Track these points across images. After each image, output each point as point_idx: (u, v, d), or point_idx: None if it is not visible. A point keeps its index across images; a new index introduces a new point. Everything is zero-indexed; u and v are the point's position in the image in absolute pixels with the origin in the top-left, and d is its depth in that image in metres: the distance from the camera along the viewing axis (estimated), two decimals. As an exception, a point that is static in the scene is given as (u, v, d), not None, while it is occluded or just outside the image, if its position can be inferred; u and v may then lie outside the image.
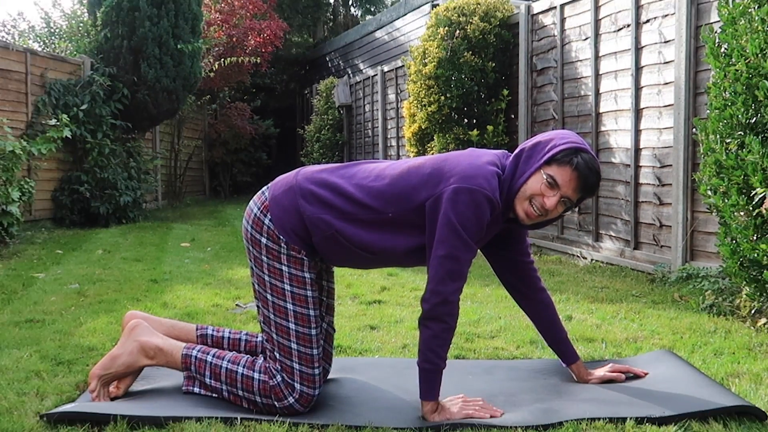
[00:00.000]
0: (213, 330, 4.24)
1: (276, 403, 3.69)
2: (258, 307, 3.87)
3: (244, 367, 3.79)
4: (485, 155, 3.69)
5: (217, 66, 18.83)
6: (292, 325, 3.71)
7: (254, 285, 3.87)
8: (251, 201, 3.92)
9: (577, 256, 9.52)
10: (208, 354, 3.91)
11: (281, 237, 3.71)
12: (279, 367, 3.72)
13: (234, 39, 20.67)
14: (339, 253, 3.77)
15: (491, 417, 3.60)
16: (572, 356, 4.26)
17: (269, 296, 3.75)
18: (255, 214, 3.81)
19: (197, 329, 4.23)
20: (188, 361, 3.92)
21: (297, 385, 3.69)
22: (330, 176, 3.80)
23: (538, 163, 3.63)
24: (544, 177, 3.61)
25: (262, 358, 3.85)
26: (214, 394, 3.88)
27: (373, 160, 3.99)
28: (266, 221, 3.75)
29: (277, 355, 3.73)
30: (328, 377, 4.28)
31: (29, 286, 7.53)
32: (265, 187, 3.91)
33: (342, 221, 3.67)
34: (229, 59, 18.64)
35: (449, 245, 3.51)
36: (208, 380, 3.87)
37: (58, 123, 12.93)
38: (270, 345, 3.77)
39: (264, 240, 3.74)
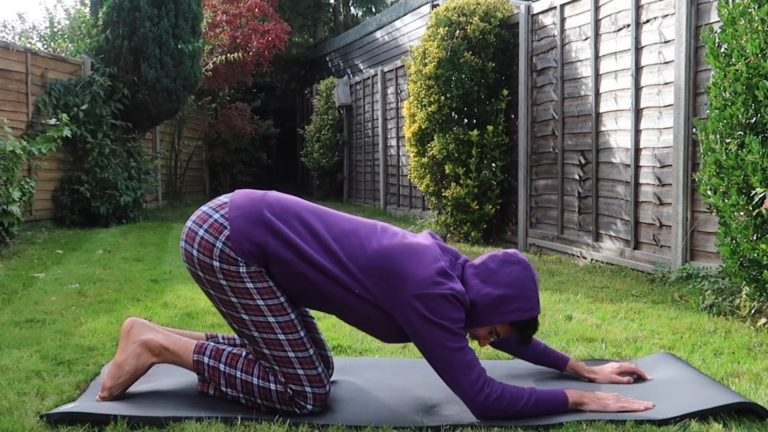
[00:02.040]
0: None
1: (297, 410, 3.68)
2: (234, 328, 3.80)
3: (259, 378, 3.73)
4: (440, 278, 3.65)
5: (218, 61, 18.78)
6: (281, 336, 3.66)
7: (220, 308, 3.77)
8: (192, 223, 3.75)
9: (577, 256, 9.52)
10: (219, 361, 3.83)
11: (239, 258, 3.61)
12: (284, 379, 3.69)
13: (238, 40, 20.65)
14: (296, 289, 3.72)
15: (646, 409, 3.63)
16: (562, 359, 4.30)
17: (245, 316, 3.67)
18: (202, 237, 3.66)
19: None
20: (201, 368, 3.87)
21: (308, 389, 3.67)
22: (302, 213, 3.76)
23: (496, 320, 3.71)
24: (493, 329, 3.77)
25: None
26: (229, 398, 3.84)
27: (341, 214, 3.93)
28: (218, 244, 3.62)
29: (278, 368, 3.69)
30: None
31: (29, 286, 7.52)
32: (210, 209, 3.76)
33: (306, 265, 3.64)
34: (232, 55, 18.65)
35: (436, 344, 3.56)
36: (224, 388, 3.83)
37: (58, 123, 12.95)
38: (266, 362, 3.73)
39: (217, 263, 3.63)
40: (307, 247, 3.64)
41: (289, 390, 3.67)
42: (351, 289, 3.63)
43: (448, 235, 11.74)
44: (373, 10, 34.98)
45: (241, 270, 3.62)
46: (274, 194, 3.86)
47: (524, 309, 3.70)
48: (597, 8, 9.14)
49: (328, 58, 27.15)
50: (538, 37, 10.55)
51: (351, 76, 22.93)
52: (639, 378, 4.23)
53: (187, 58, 15.20)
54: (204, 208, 3.80)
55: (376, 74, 18.46)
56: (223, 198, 3.83)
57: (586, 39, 9.38)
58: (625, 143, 8.64)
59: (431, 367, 3.77)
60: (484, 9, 11.26)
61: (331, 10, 35.60)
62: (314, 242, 3.68)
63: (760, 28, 5.28)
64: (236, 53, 18.89)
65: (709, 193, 5.78)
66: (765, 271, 5.33)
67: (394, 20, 20.40)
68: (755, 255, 5.34)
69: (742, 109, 5.37)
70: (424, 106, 11.42)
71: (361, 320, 3.77)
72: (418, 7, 18.67)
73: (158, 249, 10.65)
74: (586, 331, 5.49)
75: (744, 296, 5.89)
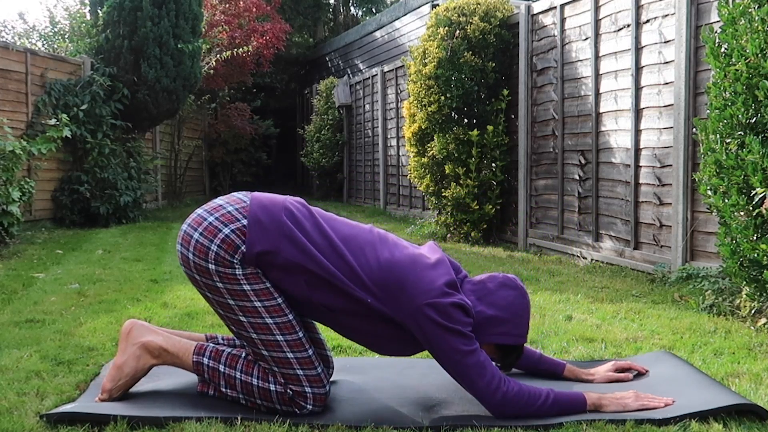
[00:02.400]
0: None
1: (296, 410, 3.69)
2: (232, 330, 3.80)
3: (258, 379, 3.73)
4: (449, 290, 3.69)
5: (215, 61, 18.75)
6: (279, 337, 3.66)
7: (218, 311, 3.78)
8: (187, 226, 3.75)
9: (577, 256, 9.52)
10: (219, 362, 3.84)
11: (234, 260, 3.60)
12: (283, 380, 3.69)
13: (237, 40, 20.64)
14: (300, 299, 3.73)
15: (666, 406, 3.65)
16: (558, 365, 4.31)
17: (243, 318, 3.67)
18: (197, 240, 3.67)
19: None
20: (200, 369, 3.88)
21: (308, 389, 3.68)
22: (321, 224, 3.79)
23: (483, 340, 3.75)
24: None
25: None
26: (229, 399, 3.85)
27: (348, 222, 3.97)
28: (213, 247, 3.62)
29: (277, 369, 3.70)
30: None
31: (29, 286, 7.52)
32: (205, 212, 3.75)
33: (318, 275, 3.66)
34: (228, 52, 18.63)
35: (450, 349, 3.58)
36: (223, 389, 3.83)
37: (58, 123, 12.96)
38: (265, 363, 3.73)
39: (212, 266, 3.63)
40: (322, 257, 3.65)
41: (288, 390, 3.68)
42: (363, 299, 3.63)
43: (448, 235, 11.74)
44: (373, 10, 35.01)
45: (237, 272, 3.61)
46: (292, 200, 3.87)
47: (511, 334, 3.77)
48: (597, 8, 9.14)
49: (328, 58, 27.16)
50: (538, 37, 10.55)
51: (351, 76, 22.94)
52: (638, 374, 4.27)
53: (187, 58, 15.22)
54: (199, 210, 3.80)
55: (376, 74, 18.47)
56: (218, 201, 3.83)
57: (586, 39, 9.38)
58: (625, 143, 8.64)
59: (429, 367, 3.78)
60: (484, 9, 11.26)
61: (331, 10, 35.64)
62: (330, 253, 3.68)
63: (760, 27, 5.28)
64: (241, 48, 18.89)
65: (709, 193, 5.78)
66: (765, 271, 5.33)
67: (394, 20, 20.41)
68: (755, 255, 5.34)
69: (743, 109, 5.37)
70: (424, 106, 11.43)
71: (368, 332, 3.77)
72: (418, 7, 18.67)
73: (158, 249, 10.65)
74: (586, 331, 5.49)
75: (744, 296, 5.89)
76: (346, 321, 3.75)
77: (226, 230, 3.64)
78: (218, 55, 18.82)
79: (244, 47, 18.94)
